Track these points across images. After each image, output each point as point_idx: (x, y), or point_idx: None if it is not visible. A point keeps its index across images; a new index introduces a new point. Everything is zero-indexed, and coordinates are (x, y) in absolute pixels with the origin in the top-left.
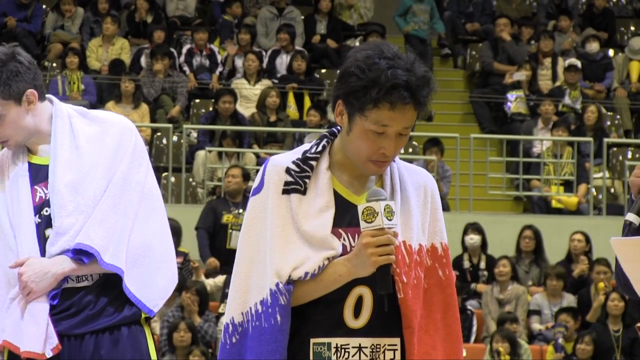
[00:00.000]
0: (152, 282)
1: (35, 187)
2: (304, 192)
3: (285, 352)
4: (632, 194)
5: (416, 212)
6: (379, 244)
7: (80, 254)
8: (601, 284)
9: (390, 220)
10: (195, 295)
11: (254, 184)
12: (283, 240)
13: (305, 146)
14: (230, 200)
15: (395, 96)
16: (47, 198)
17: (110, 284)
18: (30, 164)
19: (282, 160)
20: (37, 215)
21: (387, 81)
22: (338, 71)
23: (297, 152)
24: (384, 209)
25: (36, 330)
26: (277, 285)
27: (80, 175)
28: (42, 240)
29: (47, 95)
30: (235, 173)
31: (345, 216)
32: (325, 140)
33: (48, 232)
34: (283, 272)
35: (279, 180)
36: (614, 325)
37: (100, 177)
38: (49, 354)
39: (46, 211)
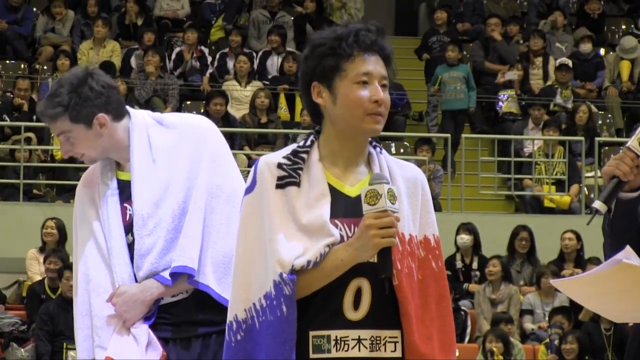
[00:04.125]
0: None
1: (125, 204)
2: (299, 185)
3: (294, 343)
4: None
5: (406, 203)
6: (382, 225)
7: (175, 275)
8: None
9: (393, 204)
10: None
11: (246, 184)
12: (282, 233)
13: (294, 145)
14: None
15: (364, 39)
16: (130, 221)
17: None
18: (118, 180)
19: (272, 157)
20: (130, 234)
21: (351, 31)
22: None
23: (286, 150)
24: (387, 192)
25: (136, 349)
26: (280, 275)
27: (159, 191)
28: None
29: (126, 108)
30: None
31: (340, 207)
32: (312, 136)
33: None
34: (285, 262)
35: (271, 176)
36: (605, 323)
37: (179, 189)
38: None
39: (132, 235)
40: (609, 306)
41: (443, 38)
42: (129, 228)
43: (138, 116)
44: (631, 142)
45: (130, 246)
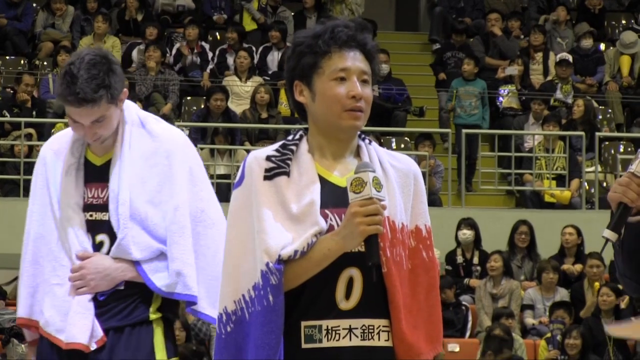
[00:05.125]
0: None
1: (85, 185)
2: (288, 174)
3: (281, 333)
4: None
5: (398, 193)
6: (368, 213)
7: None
8: (597, 284)
9: (378, 192)
10: None
11: (236, 179)
12: (270, 223)
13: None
14: None
15: (340, 35)
16: (89, 202)
17: (133, 290)
18: (85, 159)
19: (261, 151)
20: (87, 214)
21: (327, 28)
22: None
23: (275, 145)
24: (372, 180)
25: (84, 323)
26: (267, 265)
27: (132, 192)
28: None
29: None
30: None
31: (330, 197)
32: (301, 131)
33: (98, 237)
34: (272, 251)
35: (259, 169)
36: (606, 318)
37: (147, 200)
38: (94, 347)
39: (90, 215)
40: None
41: (458, 54)
42: (85, 208)
43: (130, 108)
44: (635, 167)
45: (89, 225)
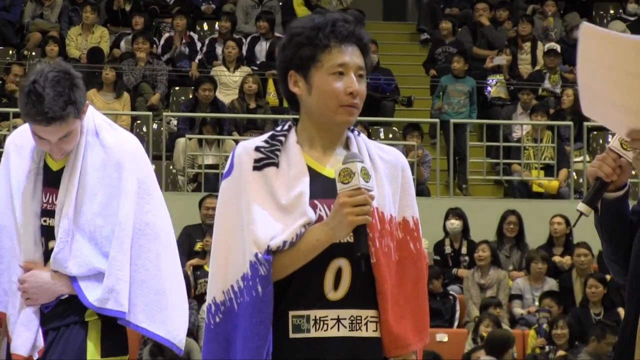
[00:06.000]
0: (171, 318)
1: (42, 190)
2: (277, 165)
3: (270, 324)
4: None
5: (387, 184)
6: (356, 203)
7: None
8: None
9: (366, 182)
10: None
11: (225, 170)
12: (259, 213)
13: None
14: (207, 228)
15: (340, 30)
16: (44, 208)
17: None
18: (45, 163)
19: (250, 142)
20: (43, 219)
21: (328, 22)
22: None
23: (264, 135)
24: (360, 170)
25: (27, 335)
26: (256, 255)
27: (79, 204)
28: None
29: None
30: (212, 204)
31: (320, 188)
32: (290, 121)
33: (51, 243)
34: (261, 241)
35: (248, 159)
36: (594, 308)
37: (96, 213)
38: (36, 357)
39: (44, 221)
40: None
41: (449, 49)
42: (41, 213)
43: (88, 116)
44: (612, 142)
45: (43, 230)
